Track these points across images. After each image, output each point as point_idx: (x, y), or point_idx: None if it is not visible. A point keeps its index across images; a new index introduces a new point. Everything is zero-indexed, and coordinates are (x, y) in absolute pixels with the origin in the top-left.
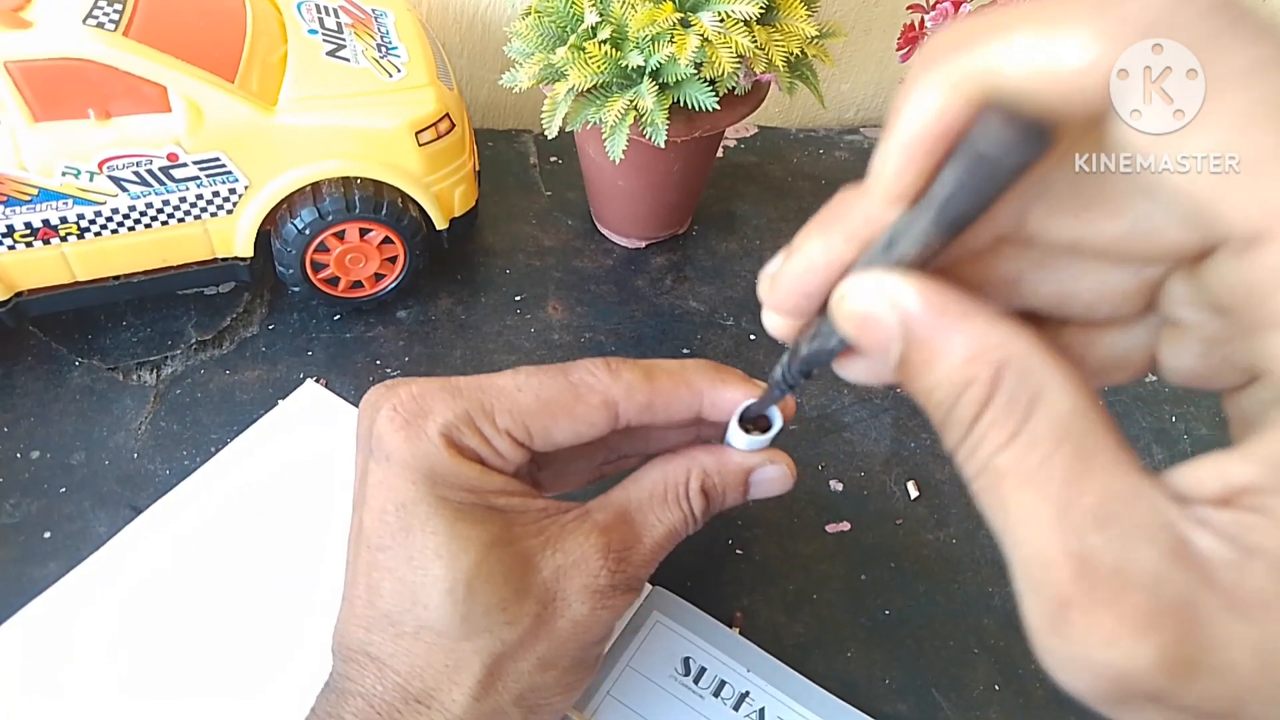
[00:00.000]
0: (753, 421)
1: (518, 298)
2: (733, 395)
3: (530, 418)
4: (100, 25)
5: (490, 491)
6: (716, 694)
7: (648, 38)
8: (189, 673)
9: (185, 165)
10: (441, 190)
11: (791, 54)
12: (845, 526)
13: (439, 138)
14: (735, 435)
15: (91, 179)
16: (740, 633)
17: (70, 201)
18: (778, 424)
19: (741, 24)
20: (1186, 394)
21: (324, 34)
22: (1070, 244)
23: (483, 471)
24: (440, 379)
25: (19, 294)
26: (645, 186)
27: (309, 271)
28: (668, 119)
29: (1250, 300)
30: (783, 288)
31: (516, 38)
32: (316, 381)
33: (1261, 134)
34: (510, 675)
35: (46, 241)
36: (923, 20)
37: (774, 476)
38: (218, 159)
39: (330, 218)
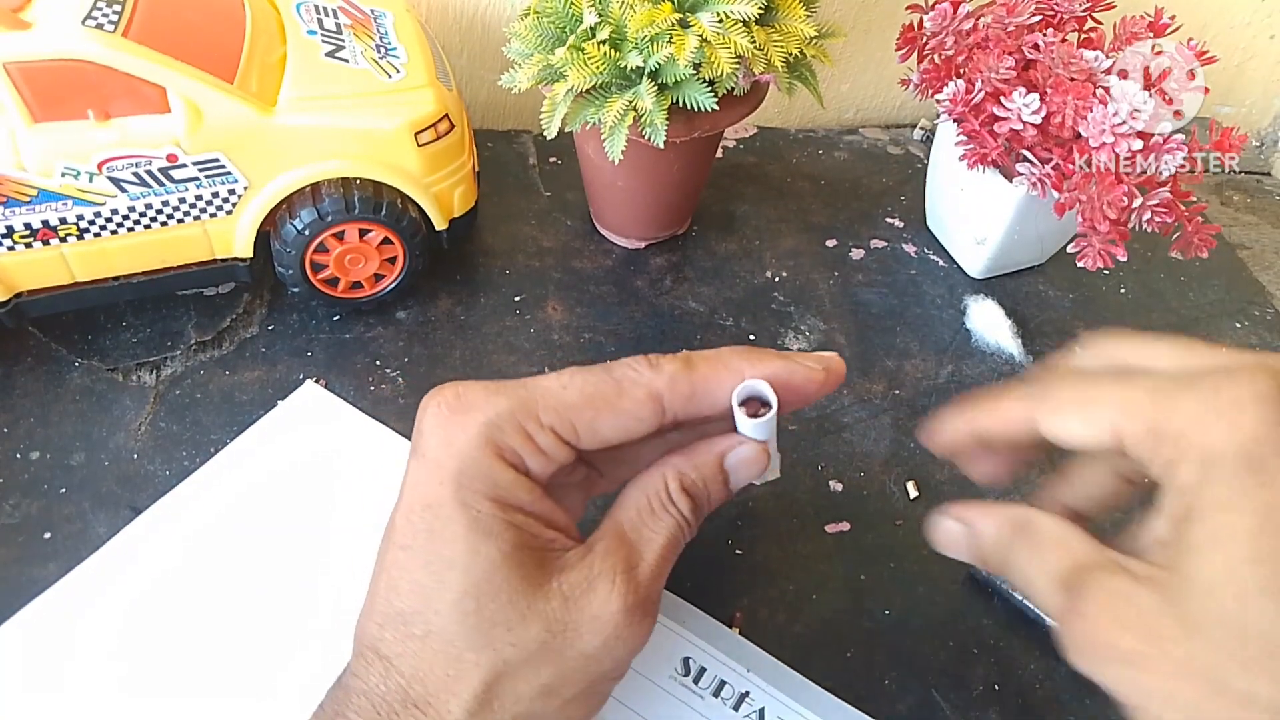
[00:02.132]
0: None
1: (517, 298)
2: (772, 370)
3: (575, 413)
4: (99, 26)
5: (513, 506)
6: (716, 694)
7: (646, 38)
8: (188, 673)
9: (184, 166)
10: (441, 191)
11: (790, 54)
12: (845, 527)
13: (438, 138)
14: (739, 419)
15: (91, 180)
16: (740, 633)
17: (70, 202)
18: (774, 404)
19: (740, 24)
20: None
21: (323, 35)
22: None
23: (515, 479)
24: (487, 381)
25: (19, 295)
26: (644, 187)
27: (308, 272)
28: (667, 119)
29: None
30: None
31: (516, 38)
32: (316, 382)
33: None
34: (509, 696)
35: (46, 242)
36: (922, 20)
37: (747, 456)
38: (217, 160)
39: (329, 218)
